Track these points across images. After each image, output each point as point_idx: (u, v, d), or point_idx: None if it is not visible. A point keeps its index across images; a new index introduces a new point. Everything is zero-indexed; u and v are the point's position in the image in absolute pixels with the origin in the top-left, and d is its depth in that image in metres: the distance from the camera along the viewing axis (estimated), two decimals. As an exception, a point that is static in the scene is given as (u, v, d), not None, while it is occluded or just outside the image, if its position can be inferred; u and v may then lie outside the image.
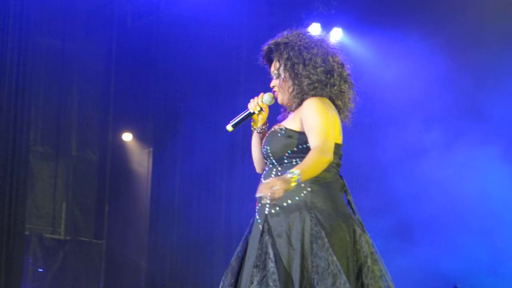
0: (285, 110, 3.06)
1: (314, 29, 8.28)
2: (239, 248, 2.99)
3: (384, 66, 7.93)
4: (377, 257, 2.86)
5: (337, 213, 2.86)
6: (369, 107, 7.88)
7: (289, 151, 2.90)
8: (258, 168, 3.12)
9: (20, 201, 8.53)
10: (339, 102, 2.98)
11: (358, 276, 2.83)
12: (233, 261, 2.97)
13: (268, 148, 2.95)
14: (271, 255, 2.81)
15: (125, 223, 9.65)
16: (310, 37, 3.01)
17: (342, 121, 2.99)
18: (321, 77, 2.94)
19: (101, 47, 9.72)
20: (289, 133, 2.91)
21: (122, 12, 9.52)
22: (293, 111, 2.97)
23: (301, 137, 2.89)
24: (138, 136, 9.85)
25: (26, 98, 8.68)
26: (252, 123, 3.09)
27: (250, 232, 2.98)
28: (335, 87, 2.96)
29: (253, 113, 3.05)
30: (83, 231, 9.67)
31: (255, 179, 3.19)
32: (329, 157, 2.78)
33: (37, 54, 8.87)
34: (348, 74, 3.02)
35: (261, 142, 3.05)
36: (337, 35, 8.23)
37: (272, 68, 3.05)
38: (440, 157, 7.50)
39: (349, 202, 2.95)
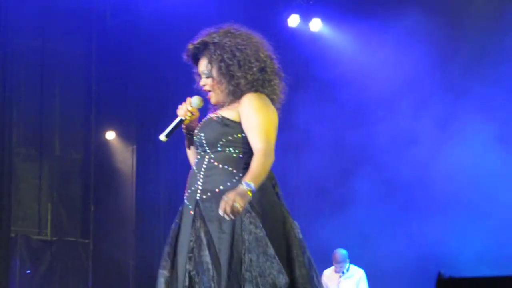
0: (213, 106, 3.09)
1: (293, 20, 8.30)
2: (171, 235, 3.01)
3: (364, 54, 8.00)
4: (301, 240, 2.95)
5: (266, 198, 2.90)
6: (353, 94, 8.00)
7: (224, 139, 2.93)
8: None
9: (5, 203, 8.65)
10: (273, 96, 3.01)
11: (288, 251, 2.89)
12: (168, 248, 2.99)
13: (202, 135, 2.97)
14: (204, 242, 2.86)
15: (111, 221, 9.68)
16: (239, 35, 3.01)
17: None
18: (257, 76, 2.97)
19: (81, 46, 9.77)
20: (225, 122, 2.95)
21: (101, 11, 9.55)
22: (227, 105, 3.01)
23: (237, 126, 2.93)
24: (121, 134, 9.89)
25: (7, 101, 8.80)
26: (183, 127, 3.10)
27: (180, 219, 2.99)
28: (271, 82, 3.00)
29: (185, 119, 3.05)
30: (69, 231, 9.72)
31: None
32: (272, 159, 2.84)
33: (17, 55, 8.95)
34: (278, 67, 3.06)
35: (192, 143, 3.08)
36: (316, 25, 8.33)
37: (202, 68, 3.06)
38: (432, 142, 7.59)
39: (277, 194, 2.98)
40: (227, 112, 2.96)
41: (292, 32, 8.40)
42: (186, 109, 3.02)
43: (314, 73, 8.21)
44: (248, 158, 2.88)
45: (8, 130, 8.85)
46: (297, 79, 8.06)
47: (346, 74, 8.03)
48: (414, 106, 7.81)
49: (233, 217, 2.68)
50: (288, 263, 2.86)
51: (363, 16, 7.84)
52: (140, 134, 9.48)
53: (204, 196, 2.90)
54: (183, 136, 3.07)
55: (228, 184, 2.87)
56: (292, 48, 8.07)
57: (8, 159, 8.79)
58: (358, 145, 8.06)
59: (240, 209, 2.67)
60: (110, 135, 9.92)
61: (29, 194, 9.54)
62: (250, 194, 2.70)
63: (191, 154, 3.09)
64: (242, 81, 2.95)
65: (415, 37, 7.57)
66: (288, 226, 2.91)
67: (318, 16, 8.26)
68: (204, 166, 2.93)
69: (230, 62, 2.95)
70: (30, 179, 9.55)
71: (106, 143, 9.95)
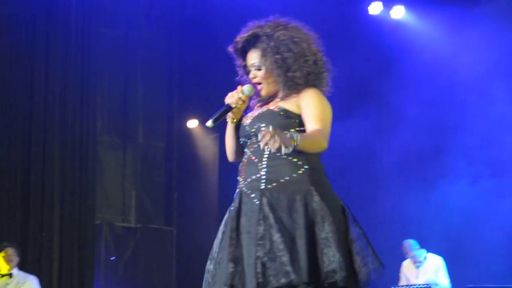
0: (258, 99, 3.10)
1: (375, 7, 8.13)
2: (229, 223, 2.98)
3: (449, 40, 7.90)
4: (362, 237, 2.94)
5: (333, 193, 2.94)
6: (440, 81, 7.92)
7: (286, 132, 2.85)
8: (232, 157, 3.15)
9: (90, 191, 8.81)
10: (323, 89, 3.03)
11: (349, 252, 2.88)
12: (228, 243, 2.95)
13: (263, 125, 2.96)
14: (275, 228, 2.84)
15: (194, 209, 9.69)
16: (291, 28, 3.03)
17: None
18: (312, 69, 2.99)
19: (164, 33, 9.77)
20: (288, 114, 2.95)
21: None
22: (283, 99, 3.00)
23: (299, 119, 2.95)
24: (204, 123, 9.70)
25: (91, 90, 8.94)
26: (229, 115, 3.09)
27: (239, 207, 2.97)
28: (321, 75, 3.02)
29: (234, 107, 3.04)
30: (153, 218, 9.80)
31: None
32: (326, 144, 2.86)
33: (100, 45, 9.00)
34: (326, 60, 3.07)
35: (237, 132, 3.08)
36: (398, 12, 8.15)
37: (253, 60, 3.06)
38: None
39: None
40: (287, 105, 2.97)
41: (374, 20, 8.31)
42: (238, 97, 3.02)
43: (398, 60, 8.13)
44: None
45: (92, 119, 8.95)
46: (380, 66, 8.02)
47: (431, 61, 7.96)
48: (506, 90, 7.71)
49: (268, 146, 2.66)
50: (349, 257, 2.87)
51: (447, 0, 7.74)
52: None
53: (269, 186, 2.89)
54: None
55: (294, 175, 2.89)
56: (374, 36, 8.02)
57: (93, 148, 8.92)
58: (448, 127, 8.01)
59: (277, 145, 2.65)
60: (192, 123, 9.91)
61: (113, 182, 9.63)
62: (291, 147, 2.68)
63: (231, 142, 3.10)
64: (298, 74, 2.97)
65: (503, 20, 7.45)
66: (348, 221, 2.93)
67: (401, 3, 8.16)
68: (266, 155, 2.93)
69: (286, 55, 2.97)
70: (114, 167, 9.64)
71: (188, 131, 9.97)
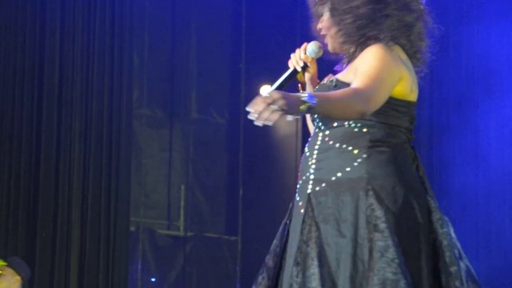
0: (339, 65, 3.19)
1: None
2: (275, 242, 3.07)
3: None
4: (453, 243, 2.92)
5: (405, 187, 2.86)
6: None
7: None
8: None
9: (122, 185, 8.50)
10: (402, 41, 3.01)
11: (434, 260, 2.87)
12: (269, 260, 3.05)
13: None
14: (313, 253, 2.86)
15: (266, 212, 9.31)
16: None
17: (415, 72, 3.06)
18: (368, 10, 2.98)
19: None
20: (340, 85, 2.96)
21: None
22: (351, 61, 3.06)
23: None
24: (283, 91, 9.09)
25: (124, 43, 8.72)
26: (299, 86, 3.23)
27: (290, 219, 3.06)
28: (393, 19, 2.99)
29: (297, 71, 3.15)
30: (210, 224, 9.48)
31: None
32: (366, 108, 2.79)
33: None
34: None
35: None
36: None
37: (316, 4, 3.23)
38: None
39: (421, 179, 2.96)
40: (344, 75, 3.00)
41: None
42: (299, 57, 3.13)
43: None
44: (375, 134, 2.91)
45: (127, 84, 8.65)
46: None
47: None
48: None
49: (261, 121, 2.66)
50: (435, 275, 2.84)
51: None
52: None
53: (317, 188, 2.93)
54: None
55: (348, 169, 2.88)
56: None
57: (127, 125, 8.69)
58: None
59: (276, 115, 2.60)
60: (266, 90, 8.82)
61: (154, 173, 9.29)
62: (304, 108, 2.63)
63: (311, 124, 3.19)
64: (348, 18, 3.00)
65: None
66: (434, 226, 2.86)
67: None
68: (317, 147, 3.00)
69: None
70: (157, 151, 9.29)
71: None
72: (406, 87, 2.96)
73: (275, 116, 2.61)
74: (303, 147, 9.38)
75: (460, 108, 8.53)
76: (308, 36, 3.32)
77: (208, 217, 9.47)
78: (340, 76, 3.01)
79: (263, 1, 9.39)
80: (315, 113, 2.80)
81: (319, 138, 3.01)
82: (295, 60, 3.15)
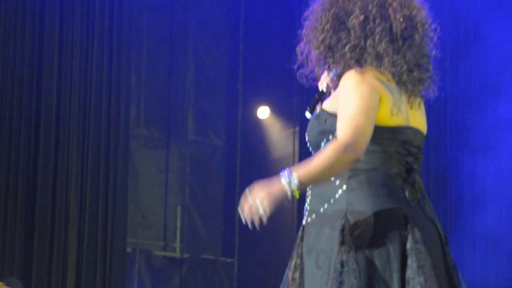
0: None
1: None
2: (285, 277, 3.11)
3: None
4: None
5: (384, 216, 2.85)
6: None
7: (325, 140, 2.95)
8: None
9: (118, 206, 8.45)
10: (384, 63, 2.95)
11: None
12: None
13: (306, 135, 3.09)
14: (296, 282, 2.93)
15: (264, 233, 8.30)
16: None
17: (407, 94, 3.00)
18: (332, 40, 3.00)
19: None
20: (324, 116, 2.98)
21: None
22: (335, 88, 3.09)
23: (336, 121, 2.96)
24: (278, 111, 9.59)
25: (123, 65, 8.73)
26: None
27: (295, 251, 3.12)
28: (368, 43, 2.95)
29: (323, 92, 3.16)
30: (206, 245, 9.50)
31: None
32: (356, 154, 2.81)
33: (134, 2, 8.79)
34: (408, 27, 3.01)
35: None
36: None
37: None
38: None
39: (412, 203, 2.91)
40: (328, 103, 3.01)
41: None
42: (323, 79, 3.13)
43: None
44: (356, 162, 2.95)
45: (124, 106, 8.64)
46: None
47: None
48: None
49: (250, 221, 2.76)
50: None
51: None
52: (304, 111, 8.48)
53: (309, 219, 2.97)
54: None
55: (332, 201, 2.91)
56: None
57: (124, 146, 8.63)
58: None
59: (262, 213, 2.72)
60: (263, 112, 9.55)
61: (151, 193, 9.31)
62: (289, 193, 2.72)
63: None
64: (322, 47, 3.04)
65: None
66: (408, 261, 2.83)
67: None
68: None
69: (310, 23, 3.10)
70: (153, 172, 9.33)
71: (257, 123, 9.68)
72: (385, 112, 2.94)
73: (265, 215, 2.69)
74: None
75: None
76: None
77: (204, 238, 9.44)
78: (327, 105, 3.01)
79: (261, 23, 9.39)
80: (304, 187, 2.78)
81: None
82: (321, 82, 3.14)
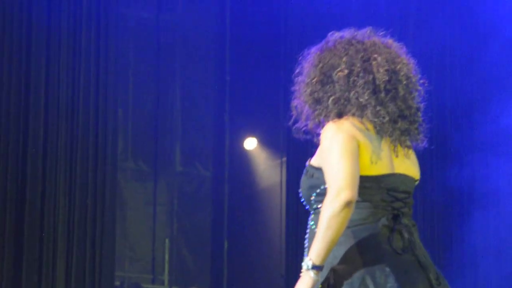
0: None
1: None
2: None
3: None
4: None
5: (363, 272, 2.92)
6: None
7: (314, 194, 3.04)
8: None
9: (107, 238, 8.46)
10: (364, 113, 3.05)
11: None
12: None
13: (299, 190, 3.17)
14: None
15: (253, 264, 9.40)
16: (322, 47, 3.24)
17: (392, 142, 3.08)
18: (314, 93, 3.13)
19: (211, 20, 9.60)
20: (312, 171, 3.06)
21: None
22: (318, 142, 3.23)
23: (322, 175, 3.02)
24: (266, 142, 9.62)
25: (109, 97, 8.64)
26: None
27: None
28: (351, 94, 3.07)
29: None
30: (195, 277, 9.42)
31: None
32: (348, 195, 2.86)
33: (122, 32, 8.73)
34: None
35: None
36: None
37: None
38: None
39: (398, 250, 2.97)
40: (316, 157, 3.09)
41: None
42: None
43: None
44: None
45: (112, 139, 8.57)
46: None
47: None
48: None
49: None
50: None
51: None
52: (291, 142, 8.99)
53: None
54: None
55: (327, 266, 2.98)
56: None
57: (112, 178, 8.56)
58: None
59: None
60: (250, 143, 9.62)
61: (139, 226, 9.27)
62: (314, 276, 2.85)
63: None
64: (307, 99, 3.18)
65: None
66: None
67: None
68: (308, 228, 3.12)
69: (300, 79, 3.25)
70: (141, 205, 9.29)
71: (244, 154, 9.69)
72: (364, 159, 3.02)
73: None
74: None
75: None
76: (291, 91, 3.49)
77: (193, 270, 9.40)
78: (313, 160, 3.09)
79: (248, 54, 9.45)
80: (323, 260, 2.85)
81: (309, 219, 3.12)
82: None
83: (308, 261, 2.83)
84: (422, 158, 3.29)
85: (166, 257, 9.23)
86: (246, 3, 9.46)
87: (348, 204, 2.84)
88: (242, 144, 9.64)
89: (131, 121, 9.21)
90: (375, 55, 3.06)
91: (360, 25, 3.18)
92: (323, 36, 3.28)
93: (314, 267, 2.82)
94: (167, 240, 9.24)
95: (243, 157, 9.67)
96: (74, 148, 8.28)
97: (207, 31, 9.57)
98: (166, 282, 9.19)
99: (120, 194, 8.91)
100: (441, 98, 8.74)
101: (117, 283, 8.60)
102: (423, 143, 3.14)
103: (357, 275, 2.91)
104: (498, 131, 8.71)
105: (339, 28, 3.20)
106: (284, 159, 9.28)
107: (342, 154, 2.91)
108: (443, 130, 8.74)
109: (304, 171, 3.09)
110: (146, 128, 9.37)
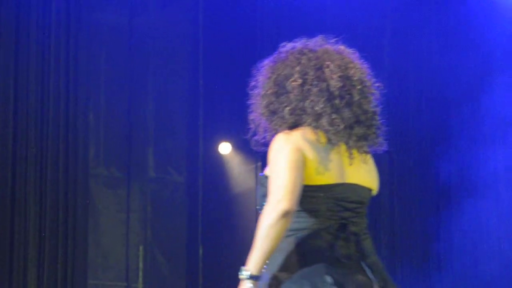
0: None
1: None
2: None
3: None
4: None
5: (304, 279, 2.97)
6: None
7: (264, 203, 3.05)
8: None
9: (79, 246, 8.46)
10: (328, 128, 3.09)
11: None
12: None
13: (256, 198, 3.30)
14: None
15: (228, 269, 9.14)
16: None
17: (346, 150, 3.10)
18: (266, 103, 3.19)
19: (184, 24, 9.56)
20: (263, 180, 3.11)
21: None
22: None
23: None
24: (240, 146, 9.50)
25: (80, 102, 8.65)
26: None
27: None
28: (304, 105, 3.11)
29: None
30: (169, 284, 9.38)
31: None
32: (284, 206, 2.91)
33: (92, 37, 8.73)
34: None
35: None
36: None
37: None
38: None
39: (343, 259, 3.01)
40: (267, 167, 3.12)
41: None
42: None
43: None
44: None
45: (82, 144, 8.59)
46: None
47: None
48: None
49: None
50: None
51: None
52: (265, 146, 8.55)
53: None
54: None
55: (264, 270, 3.00)
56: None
57: (83, 185, 8.59)
58: None
59: None
60: (225, 147, 9.58)
61: (112, 233, 9.24)
62: (251, 285, 2.91)
63: None
64: (264, 110, 3.21)
65: None
66: None
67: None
68: None
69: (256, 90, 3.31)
70: (114, 211, 9.25)
71: (218, 159, 9.66)
72: (310, 170, 3.06)
73: None
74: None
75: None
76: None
77: (167, 278, 9.37)
78: (266, 170, 3.13)
79: (221, 59, 9.45)
80: (260, 269, 2.91)
81: None
82: None
83: (245, 271, 2.92)
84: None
85: (140, 264, 9.25)
86: (219, 7, 9.47)
87: (285, 214, 2.89)
88: (216, 149, 9.64)
89: (103, 126, 9.20)
90: (328, 62, 3.10)
91: (336, 27, 3.20)
92: (298, 36, 3.26)
93: (252, 277, 2.90)
94: (141, 247, 9.27)
95: (217, 162, 9.68)
96: (45, 155, 8.26)
97: (180, 35, 9.56)
98: (141, 289, 9.52)
99: (92, 201, 8.93)
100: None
101: (91, 291, 8.71)
102: (382, 147, 3.16)
103: (297, 282, 2.96)
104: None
105: (315, 32, 3.21)
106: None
107: (285, 166, 2.95)
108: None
109: (258, 180, 3.17)
110: (118, 133, 9.33)
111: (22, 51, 8.22)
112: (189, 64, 9.71)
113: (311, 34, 3.27)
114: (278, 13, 9.11)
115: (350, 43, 3.24)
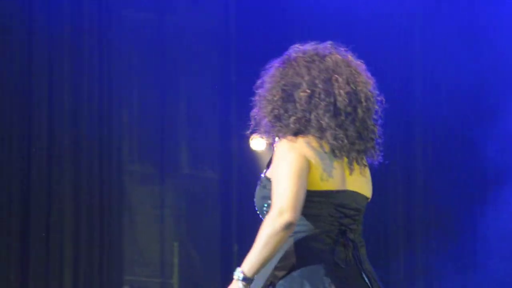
0: None
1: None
2: None
3: None
4: None
5: (307, 276, 2.99)
6: None
7: (266, 204, 3.09)
8: None
9: (114, 243, 8.65)
10: (333, 142, 3.12)
11: None
12: None
13: (254, 199, 3.22)
14: None
15: None
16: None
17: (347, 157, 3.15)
18: (271, 109, 3.23)
19: (214, 20, 9.50)
20: (265, 182, 3.13)
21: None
22: None
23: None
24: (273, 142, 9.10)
25: (114, 100, 8.77)
26: None
27: None
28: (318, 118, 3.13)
29: None
30: (204, 281, 9.34)
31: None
32: (288, 217, 2.93)
33: (125, 35, 8.78)
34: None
35: None
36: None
37: None
38: None
39: (341, 264, 3.05)
40: (269, 169, 3.15)
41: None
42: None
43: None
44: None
45: (117, 141, 8.72)
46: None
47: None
48: None
49: None
50: None
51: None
52: None
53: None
54: None
55: (267, 271, 3.04)
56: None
57: (118, 182, 8.72)
58: None
59: None
60: (258, 143, 9.40)
61: (147, 230, 9.20)
62: (243, 286, 2.95)
63: None
64: (266, 117, 3.27)
65: None
66: None
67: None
68: None
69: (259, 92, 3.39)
70: (148, 208, 9.21)
71: (252, 155, 9.52)
72: (314, 177, 3.09)
73: None
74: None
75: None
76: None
77: (202, 274, 9.37)
78: (268, 172, 3.17)
79: (254, 54, 9.35)
80: (256, 273, 2.95)
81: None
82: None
83: (239, 273, 2.95)
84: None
85: (175, 260, 9.23)
86: (251, 3, 9.47)
87: (288, 226, 2.92)
88: (249, 144, 9.51)
89: (137, 123, 9.20)
90: (336, 76, 3.10)
91: (365, 27, 3.21)
92: (329, 36, 3.28)
93: (245, 279, 2.94)
94: (175, 244, 9.26)
95: (251, 158, 9.58)
96: (79, 152, 8.32)
97: (213, 31, 9.51)
98: (175, 286, 9.17)
99: (127, 197, 8.96)
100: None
101: (126, 287, 8.61)
102: (378, 158, 3.20)
103: (297, 282, 3.00)
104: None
105: (346, 30, 3.17)
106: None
107: (289, 173, 2.98)
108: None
109: (259, 181, 3.18)
110: (152, 130, 9.29)
111: (55, 51, 8.28)
112: (221, 61, 9.69)
113: (341, 36, 3.30)
114: (310, 11, 9.07)
115: (380, 44, 3.27)
